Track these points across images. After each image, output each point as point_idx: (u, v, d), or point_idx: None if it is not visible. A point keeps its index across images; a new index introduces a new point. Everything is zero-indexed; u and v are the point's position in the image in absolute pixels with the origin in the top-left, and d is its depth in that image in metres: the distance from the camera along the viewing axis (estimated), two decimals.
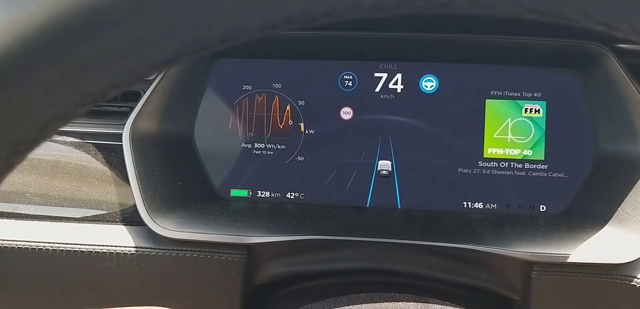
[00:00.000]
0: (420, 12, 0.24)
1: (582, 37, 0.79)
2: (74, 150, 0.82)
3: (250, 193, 0.89)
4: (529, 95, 0.85)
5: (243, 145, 0.89)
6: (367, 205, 0.87)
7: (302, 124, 0.88)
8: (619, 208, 0.77)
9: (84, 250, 0.76)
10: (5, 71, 0.22)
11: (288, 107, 0.88)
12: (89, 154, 0.81)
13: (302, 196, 0.88)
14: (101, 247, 0.76)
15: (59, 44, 0.22)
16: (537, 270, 0.72)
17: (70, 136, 0.83)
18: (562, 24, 0.26)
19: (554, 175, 0.85)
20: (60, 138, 0.82)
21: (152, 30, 0.23)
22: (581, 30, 0.78)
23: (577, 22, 0.26)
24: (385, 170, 0.87)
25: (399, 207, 0.86)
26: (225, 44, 0.24)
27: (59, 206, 0.79)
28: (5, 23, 0.22)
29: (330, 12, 0.24)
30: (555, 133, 0.85)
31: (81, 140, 0.82)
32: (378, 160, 0.87)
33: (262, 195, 0.89)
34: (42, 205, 0.79)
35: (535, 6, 0.25)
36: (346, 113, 0.88)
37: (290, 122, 0.88)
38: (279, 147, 0.89)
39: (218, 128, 0.89)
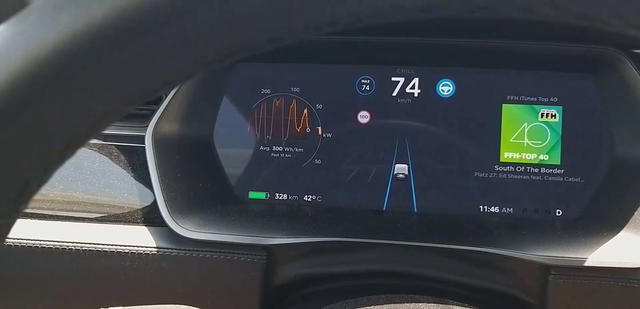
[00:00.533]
0: (460, 15, 0.24)
1: (599, 42, 0.80)
2: (96, 152, 0.84)
3: (268, 196, 0.90)
4: (546, 100, 0.86)
5: (261, 148, 0.90)
6: (384, 208, 0.88)
7: (319, 128, 0.89)
8: (635, 212, 0.77)
9: (107, 249, 0.77)
10: (65, 65, 0.23)
11: (305, 111, 0.90)
12: (111, 156, 0.83)
13: (319, 199, 0.89)
14: (123, 247, 0.77)
15: (117, 40, 0.23)
16: (554, 274, 0.72)
17: (93, 139, 0.84)
18: (588, 28, 0.26)
19: (570, 179, 0.85)
20: None
21: (204, 30, 0.24)
22: (598, 35, 0.79)
23: (612, 27, 0.25)
24: (402, 173, 0.87)
25: (416, 210, 0.87)
26: (274, 45, 0.25)
27: (82, 207, 0.81)
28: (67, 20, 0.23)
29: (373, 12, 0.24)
30: (571, 137, 0.85)
31: (104, 142, 0.84)
32: (395, 164, 0.88)
33: (280, 197, 0.90)
34: (66, 205, 0.81)
35: (572, 9, 0.25)
36: (363, 117, 0.89)
37: (308, 126, 0.90)
38: (296, 150, 0.90)
39: (237, 132, 0.90)
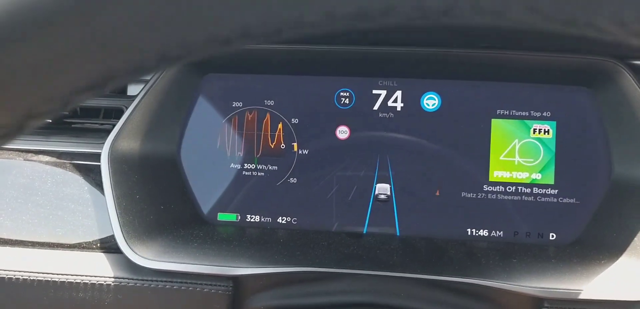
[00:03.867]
0: (412, 24, 0.20)
1: (596, 52, 0.74)
2: (49, 169, 0.76)
3: (239, 217, 0.83)
4: (538, 114, 0.80)
5: (232, 165, 0.83)
6: (364, 232, 0.81)
7: (295, 144, 0.83)
8: (635, 238, 0.71)
9: (56, 279, 0.70)
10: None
11: (280, 125, 0.83)
12: (65, 175, 0.76)
13: (294, 221, 0.83)
14: (75, 277, 0.70)
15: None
16: (547, 306, 0.66)
17: (47, 155, 0.77)
18: (584, 37, 0.21)
19: (564, 200, 0.79)
20: (35, 157, 0.77)
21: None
22: (595, 45, 0.73)
23: (608, 34, 0.20)
24: (384, 194, 0.81)
25: (398, 234, 0.81)
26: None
27: (31, 231, 0.74)
28: None
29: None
30: (566, 155, 0.79)
31: (58, 160, 0.77)
32: (376, 184, 0.81)
33: (252, 220, 0.83)
34: (12, 229, 0.74)
35: (557, 14, 0.20)
36: (342, 132, 0.82)
37: (283, 142, 0.83)
38: (270, 167, 0.83)
39: (206, 148, 0.83)
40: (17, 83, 0.22)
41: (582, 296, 0.65)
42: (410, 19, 0.21)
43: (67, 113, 0.84)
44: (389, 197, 0.81)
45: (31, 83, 0.22)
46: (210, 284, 0.69)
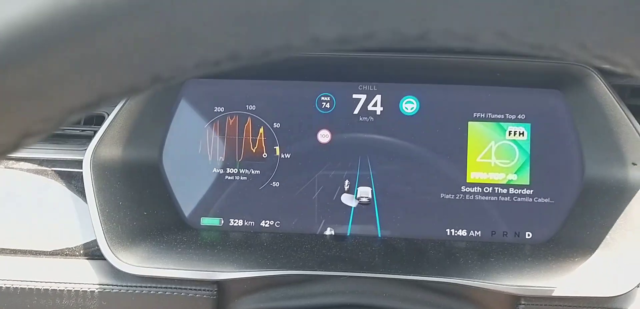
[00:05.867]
0: (389, 47, 0.22)
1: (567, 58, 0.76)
2: (31, 177, 0.76)
3: (222, 222, 0.84)
4: (513, 117, 0.82)
5: (214, 170, 0.84)
6: (348, 234, 0.82)
7: (277, 148, 0.84)
8: (607, 236, 0.73)
9: (40, 287, 0.70)
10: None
11: (261, 130, 0.84)
12: (47, 182, 0.76)
13: (277, 224, 0.84)
14: (58, 284, 0.70)
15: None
16: (524, 304, 0.68)
17: (28, 162, 0.77)
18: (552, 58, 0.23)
19: (539, 200, 0.81)
20: (16, 164, 0.77)
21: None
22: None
23: (572, 56, 0.22)
24: (365, 197, 0.82)
25: (380, 236, 0.82)
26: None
27: (13, 238, 0.73)
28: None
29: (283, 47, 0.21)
30: (540, 156, 0.81)
31: (39, 167, 0.77)
32: (358, 187, 0.83)
33: (235, 224, 0.84)
34: None
35: (524, 39, 0.22)
36: (324, 136, 0.84)
37: (265, 146, 0.84)
38: (252, 172, 0.84)
39: (188, 153, 0.84)
40: (15, 104, 0.22)
41: (557, 293, 0.67)
42: (388, 43, 0.22)
43: None
44: (371, 200, 0.82)
45: (29, 105, 0.23)
46: (195, 289, 0.69)
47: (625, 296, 0.67)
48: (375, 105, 0.83)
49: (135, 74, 0.22)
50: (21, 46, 0.21)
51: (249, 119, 0.84)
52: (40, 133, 0.24)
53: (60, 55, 0.21)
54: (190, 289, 0.69)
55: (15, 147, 0.25)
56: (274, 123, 0.84)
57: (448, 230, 0.82)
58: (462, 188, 0.82)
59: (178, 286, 0.69)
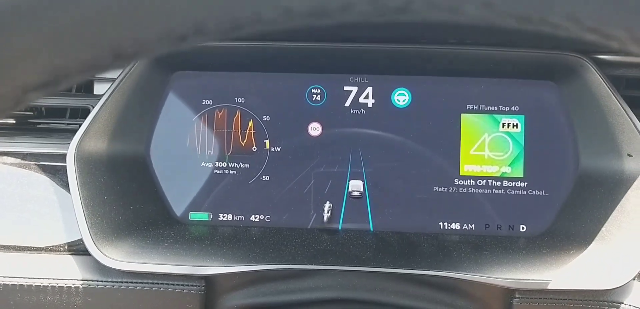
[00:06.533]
0: (368, 20, 0.20)
1: (561, 47, 0.75)
2: (14, 171, 0.74)
3: (212, 217, 0.82)
4: (507, 109, 0.81)
5: (203, 164, 0.82)
6: (339, 228, 0.81)
7: (267, 141, 0.82)
8: (602, 228, 0.72)
9: (23, 283, 0.68)
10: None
11: (251, 123, 0.82)
12: (30, 176, 0.74)
13: (267, 219, 0.82)
14: (42, 280, 0.68)
15: None
16: (518, 297, 0.67)
17: (11, 156, 0.75)
18: (542, 33, 0.21)
19: (533, 193, 0.80)
20: None
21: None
22: (560, 40, 0.74)
23: (563, 30, 0.21)
24: (357, 190, 0.81)
25: (372, 229, 0.81)
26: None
27: None
28: None
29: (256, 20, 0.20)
30: (534, 149, 0.80)
31: (23, 161, 0.75)
32: (349, 181, 0.81)
33: (224, 218, 0.82)
34: None
35: (511, 10, 0.20)
36: (315, 129, 0.82)
37: (254, 139, 0.82)
38: (242, 166, 0.82)
39: (176, 147, 0.82)
40: None
41: (552, 286, 0.66)
42: (367, 16, 0.21)
43: (32, 113, 0.81)
44: (362, 194, 0.81)
45: None
46: (182, 285, 0.68)
47: (621, 289, 0.66)
48: (366, 97, 0.82)
49: (95, 49, 0.21)
50: None
51: (238, 112, 0.82)
52: None
53: (10, 30, 0.20)
54: (178, 284, 0.68)
55: None
56: (264, 116, 0.82)
57: (441, 223, 0.81)
58: (455, 181, 0.81)
59: (164, 282, 0.68)
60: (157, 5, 0.20)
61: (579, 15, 0.21)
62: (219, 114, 0.82)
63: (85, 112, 0.78)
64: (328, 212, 0.80)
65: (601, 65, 0.75)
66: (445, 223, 0.81)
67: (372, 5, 0.21)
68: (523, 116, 0.81)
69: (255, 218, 0.82)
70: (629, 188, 0.72)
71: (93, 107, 0.74)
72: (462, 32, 0.72)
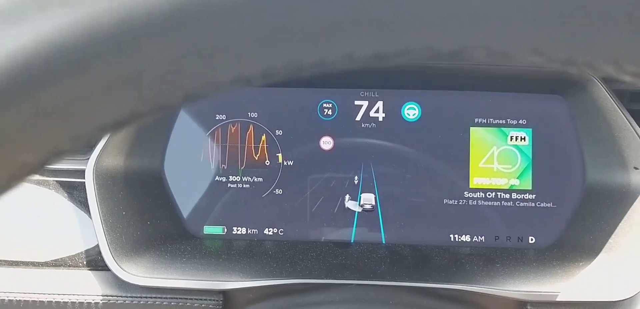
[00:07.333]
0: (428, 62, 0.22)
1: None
2: (32, 187, 0.75)
3: (226, 230, 0.83)
4: (514, 122, 0.83)
5: (217, 178, 0.84)
6: (351, 241, 0.82)
7: (279, 155, 0.84)
8: (610, 240, 0.74)
9: (44, 299, 0.69)
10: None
11: (263, 137, 0.84)
12: (49, 193, 0.75)
13: (281, 232, 0.83)
14: (62, 296, 0.69)
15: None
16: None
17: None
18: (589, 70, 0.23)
19: (542, 205, 0.82)
20: None
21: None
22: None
23: (603, 72, 0.22)
24: (369, 203, 0.82)
25: (384, 243, 0.82)
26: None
27: (16, 250, 0.73)
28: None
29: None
30: (542, 161, 0.82)
31: (41, 177, 0.76)
32: (361, 193, 0.83)
33: (238, 232, 0.83)
34: None
35: (558, 56, 0.21)
36: (326, 143, 0.83)
37: (267, 153, 0.84)
38: (255, 179, 0.84)
39: (189, 162, 0.83)
40: (45, 123, 0.22)
41: (562, 298, 0.68)
42: (423, 59, 0.22)
43: None
44: (374, 207, 0.82)
45: (60, 123, 0.22)
46: (200, 299, 0.69)
47: (630, 300, 0.68)
48: (377, 111, 0.83)
49: (169, 92, 0.22)
50: (55, 64, 0.21)
51: (251, 126, 0.84)
52: (69, 152, 0.24)
53: (93, 73, 0.21)
54: (196, 299, 0.69)
55: (42, 165, 0.24)
56: (276, 131, 0.84)
57: (452, 236, 0.82)
58: (464, 193, 0.83)
59: (183, 296, 0.69)
60: (232, 54, 0.21)
61: (620, 60, 0.22)
62: (232, 128, 0.84)
63: None
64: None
65: (607, 79, 0.76)
66: (456, 236, 0.82)
67: (427, 50, 0.22)
68: (531, 129, 0.82)
69: (269, 231, 0.83)
70: (636, 200, 0.74)
71: None
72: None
